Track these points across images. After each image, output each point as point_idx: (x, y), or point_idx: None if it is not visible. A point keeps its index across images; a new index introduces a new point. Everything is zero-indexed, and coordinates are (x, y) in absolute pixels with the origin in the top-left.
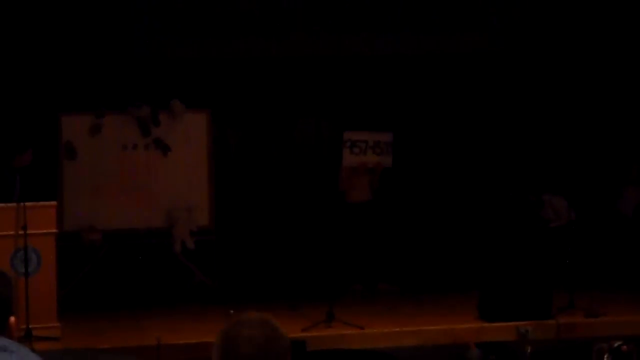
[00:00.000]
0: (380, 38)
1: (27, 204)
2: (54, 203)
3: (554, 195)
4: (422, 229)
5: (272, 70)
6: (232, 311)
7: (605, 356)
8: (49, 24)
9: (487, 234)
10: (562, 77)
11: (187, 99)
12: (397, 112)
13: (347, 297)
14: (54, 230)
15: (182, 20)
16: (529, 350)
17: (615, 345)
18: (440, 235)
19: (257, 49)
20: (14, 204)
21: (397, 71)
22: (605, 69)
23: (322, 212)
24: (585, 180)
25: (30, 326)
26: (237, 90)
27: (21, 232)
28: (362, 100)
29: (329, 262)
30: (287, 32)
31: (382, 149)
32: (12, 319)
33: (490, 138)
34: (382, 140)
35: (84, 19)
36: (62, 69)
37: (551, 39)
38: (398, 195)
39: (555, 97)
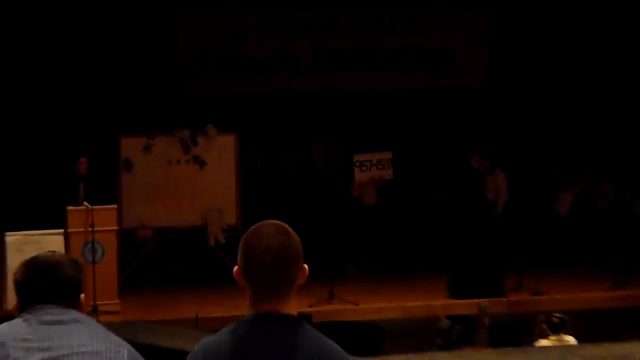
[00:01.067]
0: (369, 76)
1: (94, 207)
2: (114, 206)
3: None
4: (411, 226)
5: (286, 102)
6: None
7: (543, 325)
8: (111, 67)
9: (456, 229)
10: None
11: (220, 124)
12: (394, 134)
13: (349, 278)
14: (115, 228)
15: (216, 62)
16: (487, 322)
17: (550, 316)
18: (423, 230)
19: (274, 85)
20: (84, 208)
21: (390, 102)
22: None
23: (337, 211)
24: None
25: (96, 303)
26: (260, 118)
27: (89, 229)
28: (361, 125)
29: (335, 251)
30: (297, 71)
31: (384, 165)
32: (82, 296)
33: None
34: (384, 158)
35: (139, 61)
36: (121, 100)
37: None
38: (397, 199)
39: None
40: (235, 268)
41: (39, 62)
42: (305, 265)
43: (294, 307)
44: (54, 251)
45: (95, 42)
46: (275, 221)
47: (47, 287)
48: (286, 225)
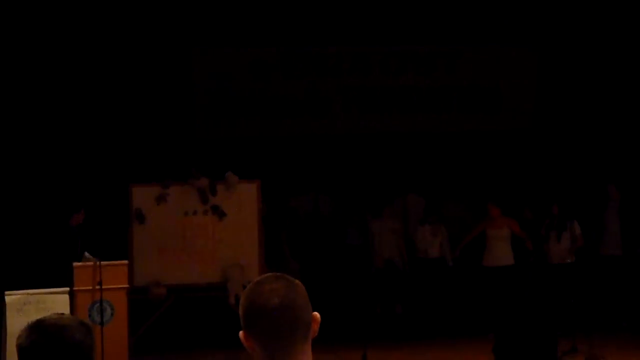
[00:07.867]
0: (404, 117)
1: (102, 262)
2: (125, 262)
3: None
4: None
5: (313, 146)
6: None
7: None
8: (120, 110)
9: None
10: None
11: (241, 172)
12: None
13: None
14: (125, 286)
15: (236, 104)
16: None
17: None
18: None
19: (300, 128)
20: (91, 264)
21: (427, 145)
22: None
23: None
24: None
25: None
26: (285, 164)
27: (97, 287)
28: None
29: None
30: (325, 113)
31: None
32: None
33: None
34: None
35: (151, 103)
36: (132, 146)
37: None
38: None
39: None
40: (241, 333)
41: (42, 105)
42: (317, 313)
43: None
44: (61, 313)
45: (102, 80)
46: (270, 272)
47: (53, 353)
48: (283, 274)
